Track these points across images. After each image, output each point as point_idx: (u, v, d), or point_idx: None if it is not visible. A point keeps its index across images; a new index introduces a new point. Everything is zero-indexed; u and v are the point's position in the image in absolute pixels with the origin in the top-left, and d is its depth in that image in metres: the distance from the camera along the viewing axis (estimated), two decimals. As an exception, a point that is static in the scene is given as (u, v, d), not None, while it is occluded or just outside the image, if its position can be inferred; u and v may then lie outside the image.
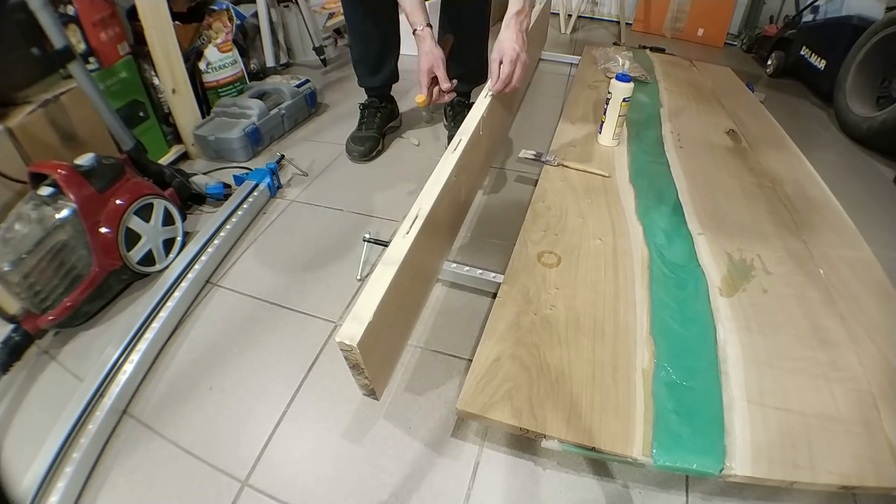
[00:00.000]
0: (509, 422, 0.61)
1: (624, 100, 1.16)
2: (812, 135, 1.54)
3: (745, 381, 0.66)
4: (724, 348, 0.71)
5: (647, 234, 0.92)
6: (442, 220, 0.80)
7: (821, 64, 1.79)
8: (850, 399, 0.65)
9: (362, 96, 1.39)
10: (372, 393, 0.61)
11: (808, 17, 1.99)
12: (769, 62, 2.10)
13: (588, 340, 0.72)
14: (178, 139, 1.33)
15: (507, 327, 0.73)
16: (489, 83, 0.95)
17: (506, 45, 0.92)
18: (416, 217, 0.67)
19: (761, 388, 0.66)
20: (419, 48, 0.98)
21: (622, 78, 1.15)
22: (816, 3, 1.95)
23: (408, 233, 0.65)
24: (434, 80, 0.98)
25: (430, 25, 0.99)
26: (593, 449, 0.58)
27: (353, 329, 0.53)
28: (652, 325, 0.74)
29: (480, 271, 0.88)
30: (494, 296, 0.89)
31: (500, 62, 0.92)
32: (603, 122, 1.22)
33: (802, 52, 1.91)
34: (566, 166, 1.13)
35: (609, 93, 1.17)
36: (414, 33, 0.99)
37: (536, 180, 1.11)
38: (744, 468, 0.56)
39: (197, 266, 0.93)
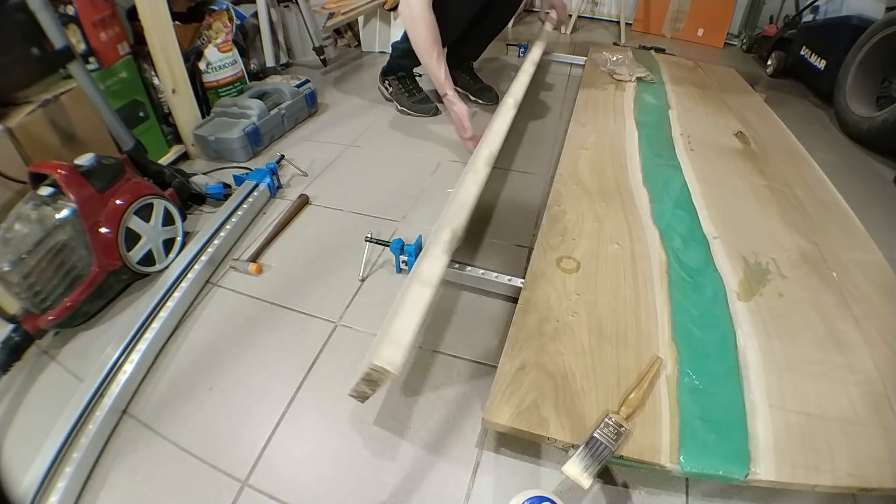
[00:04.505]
0: (537, 431, 0.60)
1: None
2: (812, 135, 1.54)
3: (767, 386, 0.66)
4: (745, 353, 0.70)
5: (664, 237, 0.92)
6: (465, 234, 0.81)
7: (821, 64, 1.79)
8: (867, 402, 0.65)
9: (362, 96, 1.39)
10: (364, 398, 0.61)
11: (808, 17, 1.99)
12: (769, 62, 2.10)
13: (611, 347, 0.71)
14: (178, 139, 1.33)
15: (530, 335, 0.72)
16: (550, 23, 1.68)
17: None
18: (451, 239, 0.68)
19: (782, 392, 0.65)
20: (453, 108, 1.23)
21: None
22: (816, 3, 1.95)
23: (443, 253, 0.65)
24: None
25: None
26: (621, 458, 0.58)
27: (392, 353, 0.52)
28: (673, 330, 0.74)
29: (482, 271, 0.88)
30: (494, 296, 0.89)
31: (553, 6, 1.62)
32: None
33: (802, 52, 1.91)
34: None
35: None
36: (445, 97, 1.24)
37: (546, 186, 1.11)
38: (768, 473, 0.56)
39: (197, 266, 0.93)
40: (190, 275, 0.91)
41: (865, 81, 1.57)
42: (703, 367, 0.68)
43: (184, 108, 1.29)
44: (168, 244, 0.98)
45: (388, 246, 0.90)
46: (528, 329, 0.73)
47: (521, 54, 1.85)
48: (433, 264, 0.62)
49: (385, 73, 1.59)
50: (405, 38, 1.38)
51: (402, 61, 1.50)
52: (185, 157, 1.34)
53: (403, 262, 0.92)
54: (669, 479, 0.63)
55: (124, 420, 0.71)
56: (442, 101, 1.27)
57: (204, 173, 1.21)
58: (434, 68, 1.22)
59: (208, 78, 1.44)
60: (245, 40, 1.66)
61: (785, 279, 0.84)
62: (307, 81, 1.53)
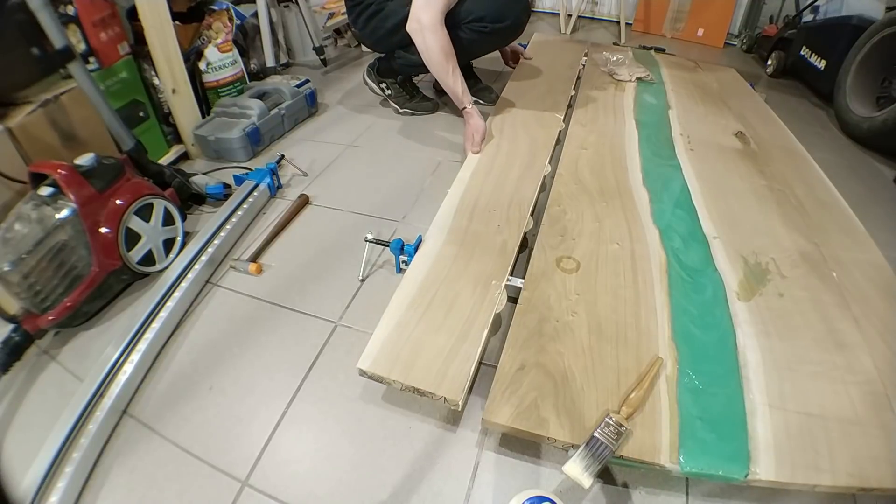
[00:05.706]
0: (537, 431, 0.60)
1: None
2: (812, 135, 1.54)
3: (767, 386, 0.66)
4: (745, 353, 0.70)
5: (664, 237, 0.91)
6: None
7: (821, 64, 1.79)
8: (866, 401, 0.65)
9: (362, 96, 1.38)
10: None
11: (808, 17, 1.98)
12: (769, 62, 2.10)
13: (611, 347, 0.71)
14: (178, 139, 1.34)
15: (530, 335, 0.72)
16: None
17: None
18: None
19: (782, 392, 0.65)
20: (470, 121, 1.21)
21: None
22: (816, 3, 1.94)
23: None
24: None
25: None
26: (621, 457, 0.58)
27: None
28: (673, 330, 0.74)
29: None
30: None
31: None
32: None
33: (802, 52, 1.91)
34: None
35: None
36: (464, 110, 1.22)
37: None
38: (768, 473, 0.57)
39: (197, 266, 0.93)
40: (190, 275, 0.91)
41: (865, 81, 1.57)
42: (704, 367, 0.68)
43: (184, 108, 1.29)
44: (168, 244, 0.98)
45: (388, 246, 0.90)
46: (527, 329, 0.73)
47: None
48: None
49: (381, 74, 1.55)
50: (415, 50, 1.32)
51: (408, 69, 1.46)
52: (185, 157, 1.34)
53: (403, 262, 0.92)
54: (669, 478, 0.63)
55: (124, 420, 0.72)
56: (442, 98, 1.25)
57: (204, 173, 1.21)
58: (451, 82, 1.20)
59: (208, 78, 1.44)
60: (245, 40, 1.66)
61: (785, 279, 0.84)
62: (307, 81, 1.53)
